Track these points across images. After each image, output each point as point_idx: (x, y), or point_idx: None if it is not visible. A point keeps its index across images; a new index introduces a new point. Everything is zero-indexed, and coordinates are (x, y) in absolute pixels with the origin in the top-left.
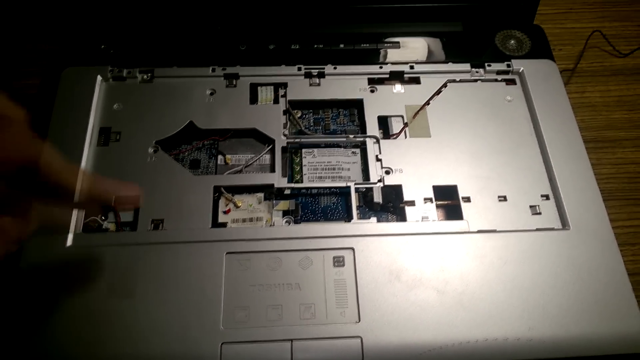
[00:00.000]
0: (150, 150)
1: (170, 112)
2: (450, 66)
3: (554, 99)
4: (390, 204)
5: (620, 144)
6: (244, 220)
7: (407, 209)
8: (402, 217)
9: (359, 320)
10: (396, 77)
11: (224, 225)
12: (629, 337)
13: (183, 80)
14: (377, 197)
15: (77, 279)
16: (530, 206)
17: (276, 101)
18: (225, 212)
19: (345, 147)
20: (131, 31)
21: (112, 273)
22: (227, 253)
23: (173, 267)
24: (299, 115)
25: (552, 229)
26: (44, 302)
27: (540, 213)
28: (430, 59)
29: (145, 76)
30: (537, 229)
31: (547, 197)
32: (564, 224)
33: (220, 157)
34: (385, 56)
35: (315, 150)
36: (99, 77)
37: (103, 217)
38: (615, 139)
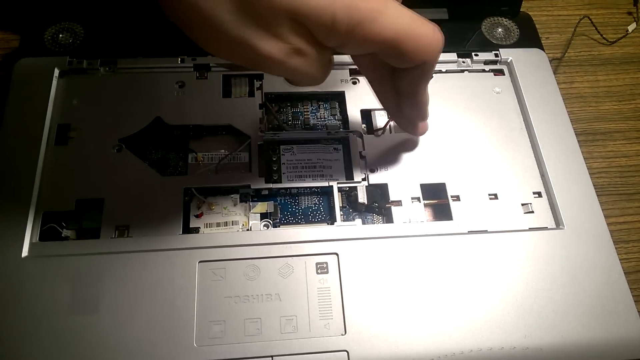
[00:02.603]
0: (114, 149)
1: (135, 107)
2: None
3: (544, 90)
4: (376, 204)
5: (611, 136)
6: (218, 225)
7: (394, 210)
8: (388, 219)
9: (345, 333)
10: None
11: (196, 230)
12: (628, 343)
13: (149, 72)
14: (362, 197)
15: (33, 294)
16: (522, 204)
17: (251, 94)
18: (198, 217)
19: (326, 143)
20: (92, 17)
21: (73, 286)
22: (200, 262)
23: (140, 278)
24: (276, 109)
25: (546, 229)
26: None
27: (532, 212)
28: None
29: (107, 68)
30: (530, 229)
31: (539, 194)
32: (558, 223)
33: (191, 155)
34: None
35: (295, 146)
36: (57, 70)
37: (63, 224)
38: (606, 131)
